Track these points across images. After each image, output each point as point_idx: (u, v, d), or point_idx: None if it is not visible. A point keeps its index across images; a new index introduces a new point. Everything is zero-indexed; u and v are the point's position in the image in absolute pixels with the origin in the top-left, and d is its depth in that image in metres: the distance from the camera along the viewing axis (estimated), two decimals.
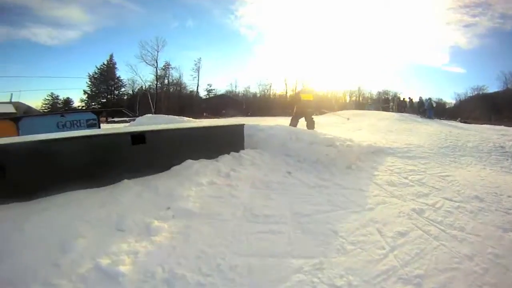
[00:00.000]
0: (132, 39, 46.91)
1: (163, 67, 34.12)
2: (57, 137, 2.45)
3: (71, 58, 43.87)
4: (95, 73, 34.59)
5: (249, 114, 17.69)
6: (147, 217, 2.06)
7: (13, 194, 2.22)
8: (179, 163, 2.68)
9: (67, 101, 34.13)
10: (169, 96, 33.72)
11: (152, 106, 22.89)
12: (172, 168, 2.65)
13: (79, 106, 33.50)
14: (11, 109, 12.08)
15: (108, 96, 34.91)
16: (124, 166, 2.52)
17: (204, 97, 37.00)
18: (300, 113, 5.73)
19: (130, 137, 2.54)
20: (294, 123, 5.70)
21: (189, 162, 2.70)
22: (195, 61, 35.70)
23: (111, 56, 35.05)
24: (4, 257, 1.89)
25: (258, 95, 37.84)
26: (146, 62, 32.90)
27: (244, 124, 3.13)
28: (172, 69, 34.75)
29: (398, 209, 2.48)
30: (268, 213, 2.18)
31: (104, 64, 34.96)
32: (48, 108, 31.60)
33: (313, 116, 5.72)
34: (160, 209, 2.12)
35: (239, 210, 2.17)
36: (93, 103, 33.99)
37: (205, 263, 1.85)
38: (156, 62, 33.01)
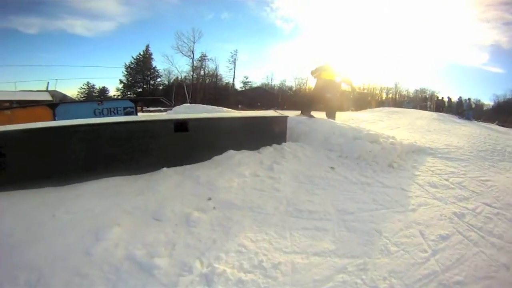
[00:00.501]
0: (167, 30, 47.54)
1: (200, 58, 34.08)
2: (96, 121, 2.39)
3: (106, 49, 43.83)
4: (131, 63, 34.90)
5: (285, 107, 17.33)
6: (187, 207, 1.94)
7: (48, 178, 2.15)
8: (220, 153, 2.56)
9: (103, 90, 34.79)
10: (205, 87, 33.68)
11: (187, 97, 23.26)
12: (213, 158, 2.53)
13: (114, 95, 33.84)
14: (47, 97, 12.34)
15: (144, 86, 35.19)
16: (164, 154, 2.42)
17: (240, 89, 36.59)
18: (318, 98, 4.76)
19: (173, 125, 2.45)
20: (306, 111, 4.52)
21: (231, 152, 2.58)
22: (231, 53, 35.49)
23: (147, 46, 35.22)
24: (34, 243, 1.78)
25: (294, 88, 36.45)
26: (182, 53, 33.14)
27: (288, 116, 3.00)
28: (209, 60, 34.49)
29: (439, 211, 2.39)
30: (312, 208, 2.06)
31: (140, 54, 35.19)
32: (84, 96, 32.10)
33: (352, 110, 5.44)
34: (201, 200, 2.00)
35: (282, 204, 2.06)
36: (128, 93, 34.35)
37: (246, 259, 1.73)
38: (193, 53, 32.94)
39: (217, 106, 6.96)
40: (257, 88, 36.37)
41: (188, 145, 2.50)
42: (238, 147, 2.62)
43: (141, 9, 43.07)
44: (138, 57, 35.15)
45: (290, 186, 2.17)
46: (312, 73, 4.84)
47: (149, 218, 1.91)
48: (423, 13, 47.65)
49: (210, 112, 4.64)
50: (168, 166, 2.39)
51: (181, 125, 2.48)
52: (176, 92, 26.83)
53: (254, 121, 2.93)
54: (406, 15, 49.18)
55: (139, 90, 34.75)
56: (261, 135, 2.76)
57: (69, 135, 2.27)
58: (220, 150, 2.56)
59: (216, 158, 2.51)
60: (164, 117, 2.74)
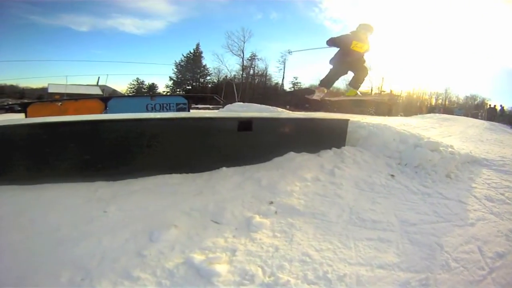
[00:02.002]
0: (217, 29, 46.12)
1: (249, 58, 33.87)
2: (153, 116, 2.34)
3: (156, 47, 44.59)
4: (182, 61, 35.45)
5: (334, 110, 16.98)
6: (248, 210, 1.80)
7: (99, 172, 2.10)
8: (281, 154, 2.45)
9: (152, 86, 35.28)
10: (254, 87, 33.38)
11: (236, 96, 23.22)
12: (273, 160, 2.41)
13: (164, 91, 34.29)
14: (98, 91, 12.62)
15: (194, 84, 35.64)
16: (224, 153, 2.32)
17: (289, 90, 35.72)
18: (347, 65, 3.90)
19: (237, 123, 2.35)
20: (331, 78, 3.92)
21: (291, 154, 2.43)
22: (281, 53, 34.23)
23: (198, 45, 35.42)
24: (82, 239, 1.66)
25: (342, 90, 36.20)
26: (232, 52, 32.58)
27: (349, 120, 2.86)
28: (258, 60, 34.25)
29: (496, 227, 2.30)
30: (375, 218, 1.95)
31: (190, 52, 35.70)
32: (133, 92, 32.78)
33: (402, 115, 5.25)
34: (262, 203, 1.86)
35: (344, 211, 1.94)
36: (178, 90, 34.74)
37: (311, 269, 1.61)
38: (243, 52, 32.81)
39: (265, 106, 6.81)
40: (306, 89, 34.46)
41: (250, 145, 2.40)
42: (298, 149, 2.47)
43: (190, 8, 43.32)
44: (188, 55, 35.73)
45: (352, 193, 2.05)
46: (345, 37, 3.70)
47: (208, 220, 1.76)
48: (475, 14, 45.42)
49: (264, 112, 4.49)
50: (228, 166, 2.28)
51: (245, 124, 2.39)
52: (225, 91, 27.03)
53: (315, 123, 2.79)
54: (457, 16, 47.10)
55: (188, 87, 35.21)
56: (321, 137, 2.62)
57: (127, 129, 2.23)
58: (281, 152, 2.42)
59: (277, 159, 2.36)
60: (228, 115, 2.61)
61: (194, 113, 2.47)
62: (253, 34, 34.46)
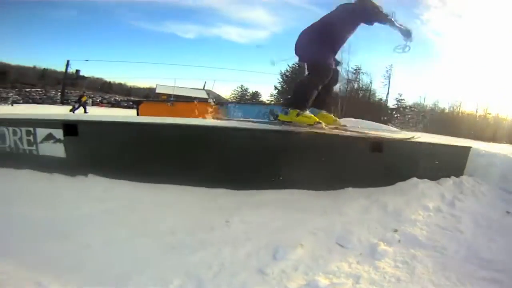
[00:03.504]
0: None
1: (354, 71, 32.50)
2: (286, 129, 2.29)
3: (259, 55, 45.65)
4: (287, 71, 35.19)
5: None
6: (373, 236, 1.70)
7: (223, 180, 2.12)
8: (404, 179, 2.32)
9: (256, 94, 36.52)
10: (357, 102, 31.67)
11: (339, 110, 22.24)
12: (397, 184, 2.28)
13: (267, 100, 35.03)
14: (203, 95, 12.64)
15: None
16: (351, 173, 2.23)
17: (393, 107, 34.53)
18: None
19: (370, 144, 2.27)
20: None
21: (414, 180, 2.30)
22: (386, 67, 33.09)
23: None
24: (198, 247, 1.57)
25: (446, 111, 33.11)
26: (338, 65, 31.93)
27: (470, 147, 2.69)
28: (363, 74, 32.78)
29: None
30: (490, 257, 1.90)
31: (296, 63, 34.43)
32: (237, 98, 33.67)
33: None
34: (387, 230, 1.75)
35: (462, 247, 1.86)
36: (281, 99, 34.51)
37: None
38: (347, 65, 31.03)
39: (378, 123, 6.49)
40: (409, 107, 34.23)
41: (377, 167, 2.30)
42: (420, 175, 2.36)
43: (289, 19, 43.19)
44: (293, 66, 34.78)
45: (470, 228, 1.97)
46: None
47: (333, 242, 1.66)
48: None
49: (379, 130, 4.20)
50: (353, 187, 2.18)
51: (377, 145, 2.29)
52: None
53: (435, 148, 2.63)
54: None
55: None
56: (441, 164, 2.49)
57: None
58: (404, 176, 2.31)
59: (400, 184, 2.24)
60: (360, 134, 2.45)
61: (326, 129, 2.29)
62: (358, 46, 32.85)
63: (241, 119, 3.41)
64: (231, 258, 1.50)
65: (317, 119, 2.59)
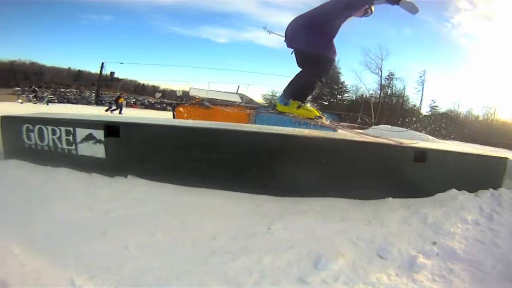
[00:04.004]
0: (352, 45, 44.73)
1: (387, 77, 31.83)
2: (332, 136, 2.37)
3: (290, 60, 44.00)
4: None
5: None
6: (412, 249, 1.69)
7: (266, 186, 2.13)
8: (443, 190, 2.29)
9: None
10: (391, 108, 31.78)
11: (372, 116, 21.68)
12: (436, 195, 2.25)
13: (316, 109, 34.22)
14: (237, 99, 12.55)
15: (331, 100, 34.88)
16: (392, 182, 2.22)
17: (426, 114, 33.53)
18: None
19: (413, 153, 2.25)
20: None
21: (454, 192, 2.27)
22: (419, 73, 32.03)
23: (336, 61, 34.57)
24: (240, 254, 1.55)
25: (480, 118, 32.51)
26: (370, 70, 31.26)
27: (507, 158, 2.67)
28: (396, 79, 32.03)
29: None
30: None
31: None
32: (267, 103, 33.04)
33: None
34: (426, 243, 1.74)
35: (499, 262, 1.85)
36: (314, 105, 33.82)
37: None
38: (381, 70, 30.91)
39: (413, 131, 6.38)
40: (443, 114, 33.08)
41: (419, 177, 2.28)
42: (459, 186, 2.33)
43: None
44: None
45: (507, 243, 1.97)
46: None
47: (373, 253, 1.65)
48: None
49: (413, 139, 4.12)
50: (394, 197, 2.16)
51: (421, 155, 2.28)
52: (362, 110, 26.09)
53: (474, 159, 2.61)
54: None
55: (325, 103, 34.33)
56: (478, 176, 2.47)
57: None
58: (443, 187, 2.29)
59: (440, 195, 2.22)
60: (403, 143, 2.44)
61: (369, 137, 2.26)
62: (390, 51, 31.98)
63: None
64: (272, 266, 1.48)
65: (318, 113, 2.56)
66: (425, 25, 38.85)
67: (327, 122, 2.57)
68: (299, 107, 2.51)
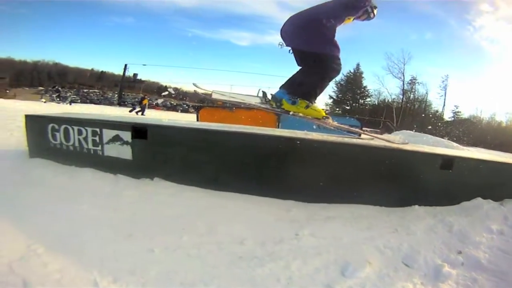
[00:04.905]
0: (373, 49, 45.68)
1: (409, 82, 31.52)
2: (366, 143, 2.30)
3: None
4: (342, 80, 34.41)
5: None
6: (438, 257, 1.70)
7: (293, 191, 2.13)
8: (468, 199, 2.29)
9: None
10: (413, 113, 30.58)
11: (394, 121, 21.59)
12: (462, 204, 2.26)
13: (322, 109, 34.04)
14: (258, 101, 12.01)
15: (353, 104, 34.62)
16: (418, 190, 2.22)
17: (449, 120, 32.89)
18: None
19: (441, 161, 2.25)
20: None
21: (479, 200, 2.27)
22: (442, 77, 31.59)
23: (358, 65, 34.14)
24: (267, 260, 1.59)
25: (504, 125, 31.16)
26: (393, 75, 30.98)
27: None
28: (419, 84, 31.61)
29: None
30: None
31: (350, 72, 34.44)
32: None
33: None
34: (451, 252, 1.75)
35: None
36: (337, 109, 34.47)
37: None
38: (403, 75, 30.70)
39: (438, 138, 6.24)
40: (465, 120, 32.20)
41: (445, 185, 2.27)
42: (484, 194, 2.33)
43: (343, 27, 43.52)
44: (348, 75, 34.69)
45: None
46: None
47: (399, 261, 1.65)
48: None
49: (436, 145, 4.09)
50: (420, 204, 2.16)
51: (448, 162, 2.27)
52: (384, 115, 26.19)
53: (499, 167, 2.61)
54: None
55: (347, 107, 34.26)
56: (504, 184, 2.45)
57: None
58: (468, 195, 2.29)
59: (465, 204, 2.22)
60: (429, 150, 2.58)
61: (396, 143, 2.27)
62: (412, 56, 31.40)
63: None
64: (299, 272, 1.49)
65: (325, 114, 2.56)
66: (447, 29, 39.13)
67: (335, 123, 2.56)
68: (307, 106, 2.50)
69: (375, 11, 2.57)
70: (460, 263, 1.76)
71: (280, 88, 2.65)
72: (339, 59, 2.51)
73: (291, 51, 2.57)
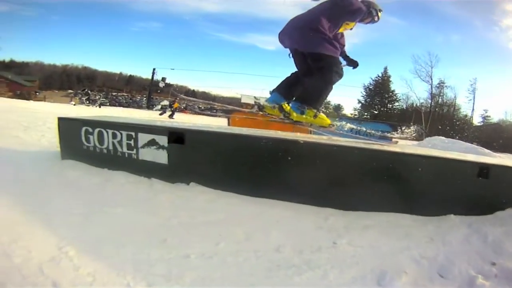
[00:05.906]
0: (400, 53, 45.02)
1: (437, 85, 31.53)
2: (412, 151, 2.29)
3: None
4: (370, 84, 34.81)
5: None
6: (472, 269, 1.71)
7: (330, 198, 2.13)
8: (503, 208, 2.24)
9: (337, 107, 36.34)
10: (442, 117, 30.71)
11: (423, 126, 21.38)
12: (496, 214, 2.21)
13: (351, 114, 34.90)
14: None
15: (382, 109, 34.87)
16: (454, 199, 2.20)
17: (478, 124, 32.87)
18: None
19: (478, 169, 2.22)
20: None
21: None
22: (470, 81, 31.36)
23: (385, 68, 34.32)
24: (305, 269, 1.57)
25: None
26: (420, 78, 30.87)
27: None
28: (447, 88, 31.56)
29: None
30: None
31: (378, 76, 34.80)
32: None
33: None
34: (485, 263, 1.76)
35: None
36: (365, 113, 34.72)
37: None
38: (431, 78, 30.58)
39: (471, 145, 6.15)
40: (494, 124, 32.08)
41: (480, 194, 2.24)
42: None
43: (368, 30, 42.32)
44: (376, 79, 34.75)
45: None
46: None
47: (434, 271, 1.66)
48: None
49: (469, 152, 4.05)
50: (455, 214, 2.15)
51: (484, 171, 2.24)
52: (414, 120, 25.97)
53: None
54: None
55: (375, 112, 33.93)
56: None
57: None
58: (503, 205, 2.28)
59: (499, 213, 2.22)
60: (466, 158, 2.58)
61: (430, 151, 2.25)
62: (439, 58, 31.15)
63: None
64: (337, 281, 1.50)
65: (330, 121, 2.60)
66: (473, 30, 38.85)
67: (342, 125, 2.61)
68: (315, 116, 2.53)
69: (379, 14, 2.63)
70: (494, 275, 1.76)
71: (273, 91, 2.68)
72: (340, 63, 2.57)
73: (290, 55, 2.62)
